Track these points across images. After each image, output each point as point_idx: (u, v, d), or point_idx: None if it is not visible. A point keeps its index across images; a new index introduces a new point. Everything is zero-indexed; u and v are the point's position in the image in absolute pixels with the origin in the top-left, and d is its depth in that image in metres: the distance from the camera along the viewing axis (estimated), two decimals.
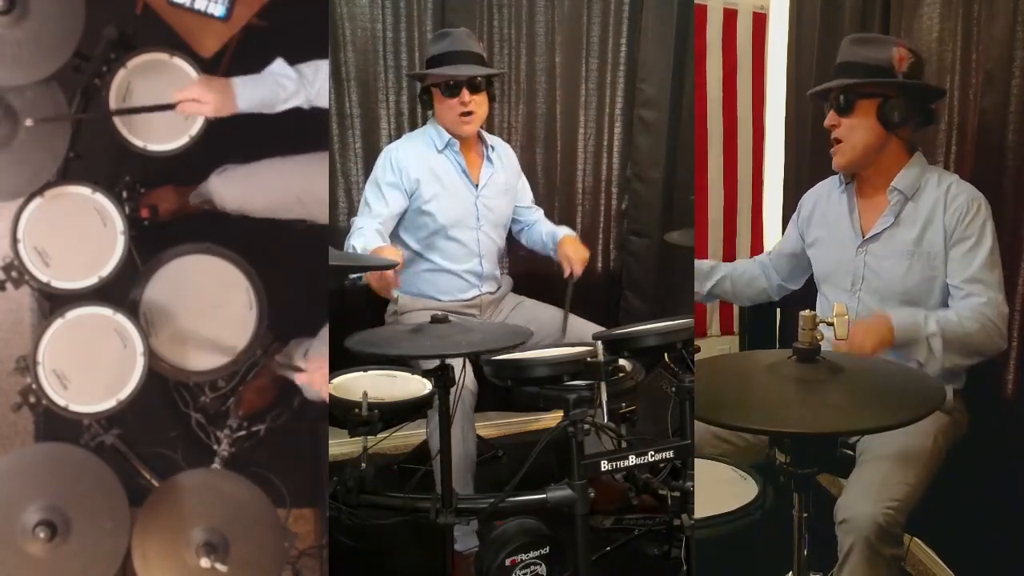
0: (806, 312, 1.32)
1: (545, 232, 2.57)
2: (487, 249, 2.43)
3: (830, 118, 1.87)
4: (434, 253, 2.38)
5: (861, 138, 1.84)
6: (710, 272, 2.25)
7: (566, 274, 2.40)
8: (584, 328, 2.36)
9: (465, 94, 2.27)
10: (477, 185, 2.40)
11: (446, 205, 2.34)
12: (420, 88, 2.40)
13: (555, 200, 2.93)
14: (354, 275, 2.22)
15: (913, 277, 1.82)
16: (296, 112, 1.74)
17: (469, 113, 2.29)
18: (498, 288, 2.51)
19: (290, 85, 1.70)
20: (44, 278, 1.66)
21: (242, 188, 1.80)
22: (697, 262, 2.28)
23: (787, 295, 2.26)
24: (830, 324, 1.39)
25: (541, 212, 2.64)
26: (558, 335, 2.32)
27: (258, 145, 1.79)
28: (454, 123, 2.31)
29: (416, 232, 2.37)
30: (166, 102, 1.67)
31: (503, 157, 2.51)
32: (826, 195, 2.06)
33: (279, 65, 1.72)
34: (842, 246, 1.96)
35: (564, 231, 2.52)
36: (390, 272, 2.03)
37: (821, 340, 1.32)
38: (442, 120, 2.34)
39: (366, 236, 2.16)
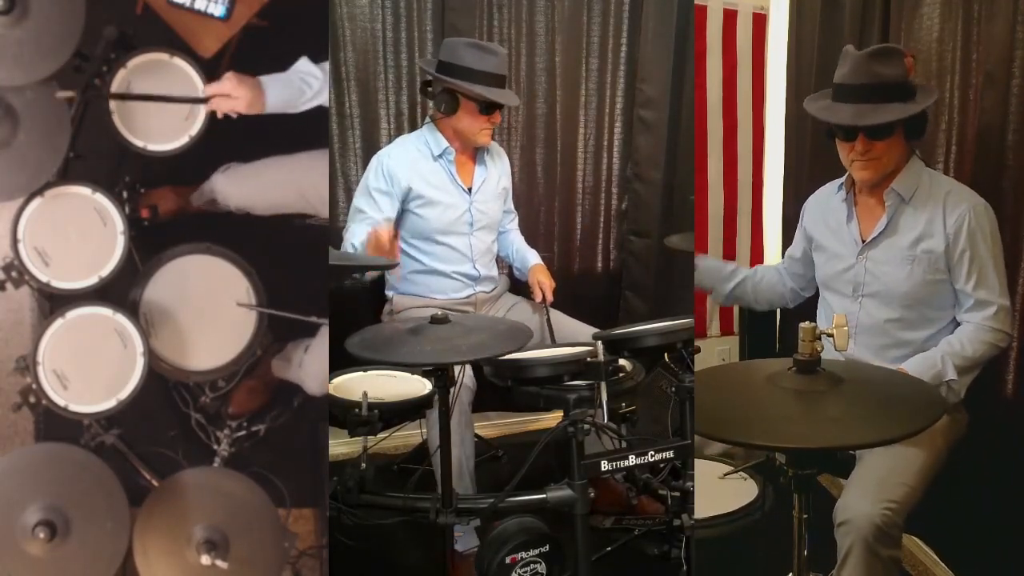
0: (806, 324, 1.32)
1: (516, 247, 2.60)
2: (480, 252, 2.43)
3: (863, 144, 1.79)
4: (426, 256, 2.37)
5: (897, 154, 1.83)
6: (731, 274, 2.22)
7: (538, 299, 2.45)
8: (580, 329, 2.37)
9: (497, 115, 2.31)
10: (470, 190, 2.39)
11: (439, 211, 2.34)
12: (440, 88, 2.28)
13: (555, 200, 2.93)
14: (356, 274, 2.23)
15: (914, 281, 1.81)
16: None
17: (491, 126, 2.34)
18: (494, 288, 2.51)
19: (315, 83, 1.70)
20: (44, 278, 1.66)
21: (247, 185, 1.80)
22: (717, 263, 2.26)
23: None
24: (830, 335, 1.39)
25: (516, 221, 2.65)
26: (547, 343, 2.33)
27: (257, 144, 1.79)
28: (478, 134, 2.32)
29: (408, 234, 2.36)
30: (197, 96, 1.68)
31: (495, 158, 2.50)
32: (825, 201, 2.05)
33: (304, 63, 1.72)
34: (842, 252, 1.95)
35: (534, 258, 2.56)
36: (387, 232, 2.04)
37: (821, 351, 1.32)
38: (466, 129, 2.30)
39: (361, 235, 2.17)
